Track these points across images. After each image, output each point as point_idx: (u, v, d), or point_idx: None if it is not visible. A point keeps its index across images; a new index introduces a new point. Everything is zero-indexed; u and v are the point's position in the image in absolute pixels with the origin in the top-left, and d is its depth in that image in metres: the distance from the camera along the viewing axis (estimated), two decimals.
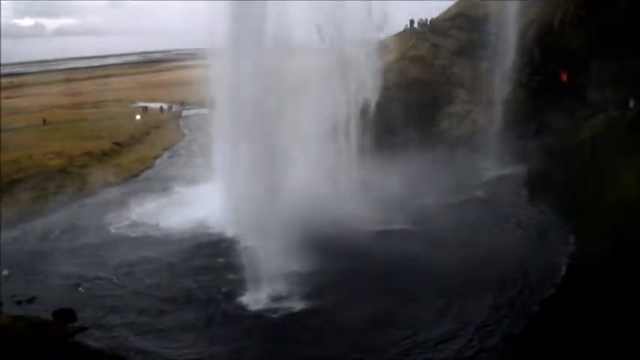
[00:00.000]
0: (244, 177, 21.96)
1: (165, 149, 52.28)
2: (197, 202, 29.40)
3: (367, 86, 30.54)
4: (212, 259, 23.62)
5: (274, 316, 18.90)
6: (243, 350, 17.27)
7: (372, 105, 31.38)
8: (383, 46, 33.73)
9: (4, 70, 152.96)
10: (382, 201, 27.59)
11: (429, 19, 46.64)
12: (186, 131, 60.72)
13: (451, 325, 17.90)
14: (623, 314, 16.23)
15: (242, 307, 19.59)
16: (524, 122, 36.29)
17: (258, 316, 19.03)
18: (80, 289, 22.47)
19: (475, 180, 33.19)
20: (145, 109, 75.96)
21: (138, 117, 68.70)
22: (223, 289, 20.84)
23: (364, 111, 30.85)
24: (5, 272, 23.50)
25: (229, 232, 25.10)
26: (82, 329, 19.13)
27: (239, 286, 20.52)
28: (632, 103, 27.42)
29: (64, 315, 19.80)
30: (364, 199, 27.36)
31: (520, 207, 28.69)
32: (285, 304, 19.38)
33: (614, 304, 16.91)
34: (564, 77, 35.36)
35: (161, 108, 76.54)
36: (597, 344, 15.60)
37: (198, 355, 17.26)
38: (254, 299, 19.77)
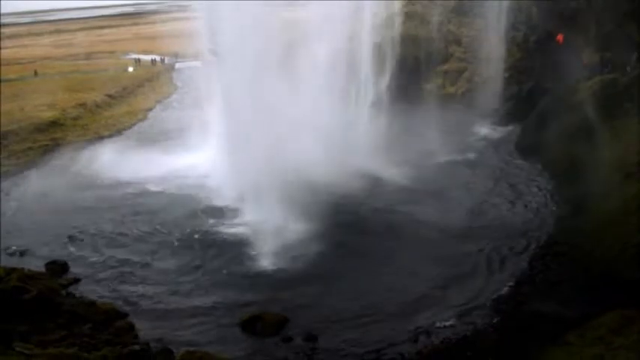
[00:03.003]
0: (243, 133, 21.50)
1: (158, 102, 51.53)
2: (192, 161, 28.85)
3: (365, 41, 29.90)
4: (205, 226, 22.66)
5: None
6: None
7: (368, 60, 30.84)
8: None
9: None
10: (369, 160, 27.30)
11: None
12: (179, 84, 59.70)
13: None
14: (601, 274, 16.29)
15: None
16: (519, 82, 35.86)
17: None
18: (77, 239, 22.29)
19: (467, 139, 32.76)
20: (138, 61, 74.45)
21: (130, 69, 67.46)
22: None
23: (360, 66, 30.36)
24: None
25: (227, 194, 24.23)
26: (76, 280, 19.05)
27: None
28: (628, 68, 26.93)
29: (57, 267, 19.64)
30: (352, 158, 27.00)
31: (511, 168, 28.40)
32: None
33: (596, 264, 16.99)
34: (560, 38, 34.72)
35: (153, 60, 75.04)
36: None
37: None
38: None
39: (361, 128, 28.29)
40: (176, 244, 21.29)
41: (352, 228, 21.50)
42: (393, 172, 26.60)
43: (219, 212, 23.14)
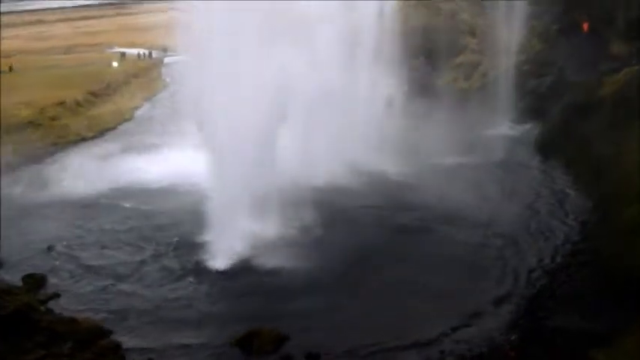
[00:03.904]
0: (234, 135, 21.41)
1: (146, 99, 51.88)
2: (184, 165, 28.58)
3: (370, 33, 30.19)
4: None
5: None
6: None
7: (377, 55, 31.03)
8: None
9: None
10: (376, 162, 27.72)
11: None
12: (168, 80, 59.86)
13: None
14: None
15: None
16: (540, 75, 35.84)
17: None
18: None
19: (483, 139, 32.81)
20: (123, 55, 74.68)
21: (115, 64, 67.61)
22: None
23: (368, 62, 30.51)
24: None
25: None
26: (55, 296, 19.15)
27: None
28: None
29: (35, 281, 19.76)
30: (358, 160, 27.53)
31: (531, 170, 28.64)
32: None
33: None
34: (585, 27, 34.76)
35: (140, 54, 75.34)
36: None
37: None
38: None
39: (372, 128, 28.46)
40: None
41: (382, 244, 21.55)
42: (405, 173, 26.97)
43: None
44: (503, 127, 34.65)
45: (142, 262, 21.12)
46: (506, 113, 35.20)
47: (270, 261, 19.91)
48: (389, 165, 27.78)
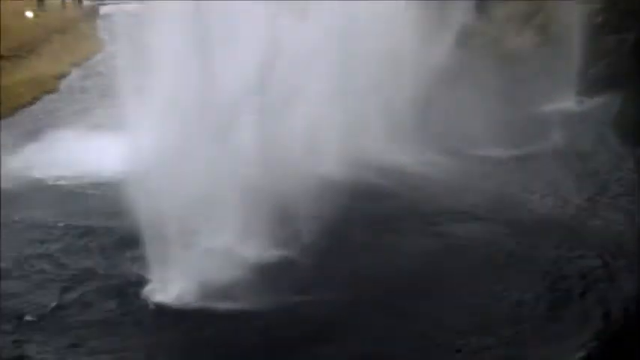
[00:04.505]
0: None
1: (74, 64, 52.44)
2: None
3: None
4: None
5: None
6: None
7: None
8: None
9: None
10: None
11: None
12: (107, 37, 60.36)
13: None
14: None
15: None
16: (619, 30, 35.55)
17: None
18: None
19: (542, 118, 32.63)
20: (41, 1, 74.78)
21: (29, 14, 67.20)
22: None
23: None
24: None
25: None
26: None
27: None
28: None
29: None
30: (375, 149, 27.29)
31: (612, 161, 27.82)
32: None
33: None
34: None
35: (64, 1, 75.41)
36: None
37: None
38: None
39: (394, 104, 28.23)
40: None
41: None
42: (445, 169, 26.53)
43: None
44: (568, 102, 34.70)
45: (61, 304, 18.86)
46: (573, 82, 35.23)
47: (250, 298, 17.97)
48: (419, 157, 27.27)
